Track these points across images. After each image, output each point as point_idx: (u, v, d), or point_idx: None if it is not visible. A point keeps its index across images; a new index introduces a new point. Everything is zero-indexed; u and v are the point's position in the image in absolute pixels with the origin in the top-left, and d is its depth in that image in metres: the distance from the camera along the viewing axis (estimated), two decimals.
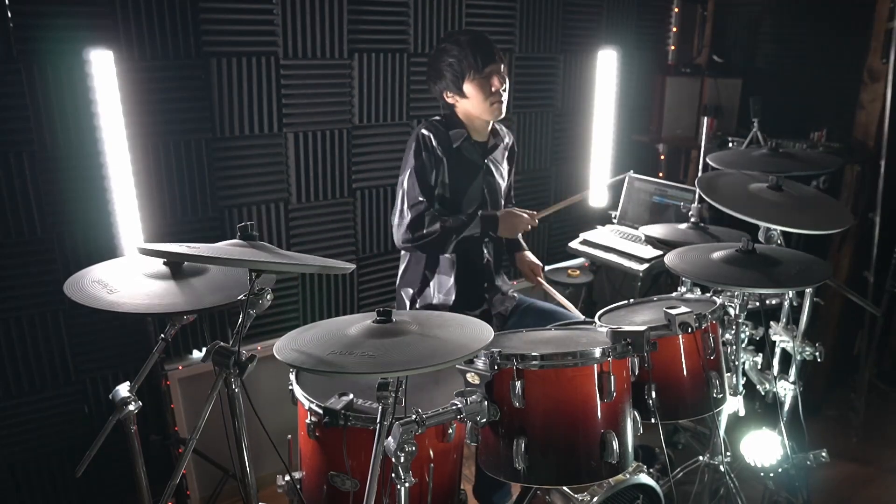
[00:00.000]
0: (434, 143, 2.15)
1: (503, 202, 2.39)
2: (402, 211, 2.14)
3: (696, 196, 2.94)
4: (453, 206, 2.21)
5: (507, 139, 2.39)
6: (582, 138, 3.51)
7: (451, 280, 2.25)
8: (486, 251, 2.30)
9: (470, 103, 2.16)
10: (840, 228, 1.95)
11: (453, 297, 2.25)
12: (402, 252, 2.33)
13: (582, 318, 2.21)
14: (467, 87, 2.13)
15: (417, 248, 2.16)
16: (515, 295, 2.43)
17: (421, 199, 2.13)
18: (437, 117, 2.25)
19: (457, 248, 2.17)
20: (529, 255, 2.54)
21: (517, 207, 2.28)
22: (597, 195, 3.35)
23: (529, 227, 2.23)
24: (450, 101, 2.20)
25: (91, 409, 2.38)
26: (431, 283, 2.27)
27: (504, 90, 2.15)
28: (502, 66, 2.15)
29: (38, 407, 2.29)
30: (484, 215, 2.17)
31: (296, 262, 1.33)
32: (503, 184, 2.35)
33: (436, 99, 2.26)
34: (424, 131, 2.16)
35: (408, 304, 2.33)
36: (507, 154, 2.38)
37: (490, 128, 2.28)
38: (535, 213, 2.26)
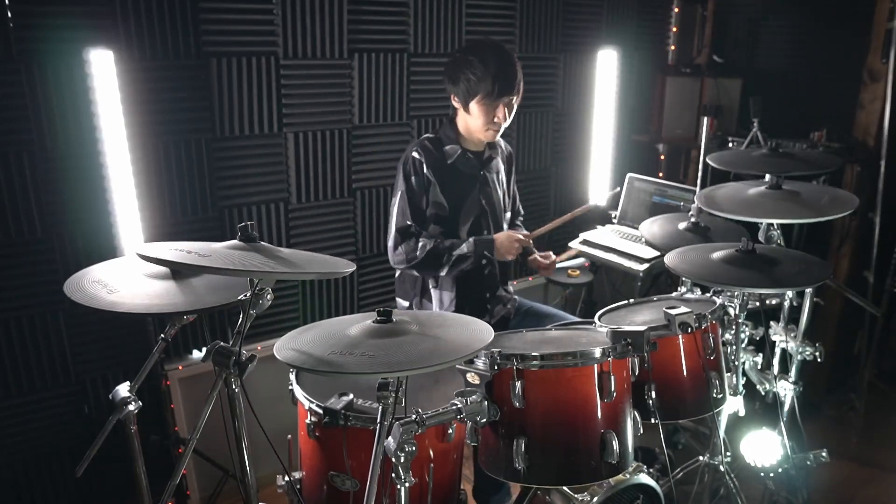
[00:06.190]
0: (424, 166, 2.16)
1: (509, 214, 2.39)
2: (393, 234, 2.18)
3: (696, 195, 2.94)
4: (450, 221, 2.21)
5: (505, 149, 2.39)
6: (582, 138, 3.51)
7: (452, 295, 2.25)
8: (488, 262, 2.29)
9: (469, 119, 2.17)
10: (848, 211, 1.92)
11: (453, 311, 2.23)
12: None
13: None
14: (473, 107, 2.13)
15: (411, 269, 2.20)
16: (516, 297, 2.43)
17: (409, 222, 2.16)
18: (430, 135, 2.26)
19: (455, 272, 2.19)
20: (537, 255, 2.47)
21: (517, 227, 2.30)
22: (598, 199, 3.30)
23: (524, 247, 2.25)
24: (455, 104, 2.21)
25: (91, 409, 2.38)
26: (434, 299, 2.27)
27: (507, 120, 2.16)
28: (515, 98, 2.16)
29: (38, 407, 2.30)
30: (478, 239, 2.19)
31: (297, 267, 1.32)
32: (501, 193, 2.34)
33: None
34: (415, 154, 2.17)
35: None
36: (505, 164, 2.38)
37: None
38: (528, 234, 2.29)
